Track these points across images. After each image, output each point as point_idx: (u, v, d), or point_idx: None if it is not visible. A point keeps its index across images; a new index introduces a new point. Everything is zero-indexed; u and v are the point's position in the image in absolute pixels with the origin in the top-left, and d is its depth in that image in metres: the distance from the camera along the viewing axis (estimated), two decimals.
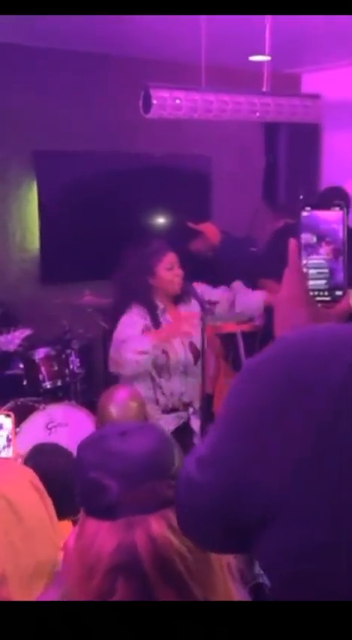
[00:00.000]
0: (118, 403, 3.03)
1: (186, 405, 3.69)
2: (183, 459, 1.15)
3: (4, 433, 2.59)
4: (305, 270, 1.21)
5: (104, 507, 1.17)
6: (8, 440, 2.58)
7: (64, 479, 1.89)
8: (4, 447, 2.56)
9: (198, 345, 3.67)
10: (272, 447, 0.98)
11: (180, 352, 3.58)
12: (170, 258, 3.55)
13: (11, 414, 2.65)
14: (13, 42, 5.09)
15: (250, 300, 3.87)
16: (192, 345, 3.65)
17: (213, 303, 3.76)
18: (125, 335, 3.48)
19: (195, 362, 3.66)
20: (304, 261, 1.21)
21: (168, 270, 3.54)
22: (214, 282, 4.09)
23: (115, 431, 1.26)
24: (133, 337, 3.43)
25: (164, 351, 3.52)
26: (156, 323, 3.52)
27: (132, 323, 3.52)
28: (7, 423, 2.62)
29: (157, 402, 3.59)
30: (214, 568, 1.21)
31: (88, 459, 1.23)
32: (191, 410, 3.71)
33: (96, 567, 1.15)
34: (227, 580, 1.24)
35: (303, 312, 1.21)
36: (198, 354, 3.66)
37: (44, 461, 1.93)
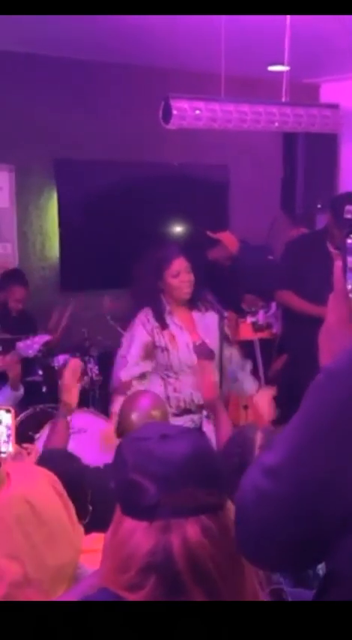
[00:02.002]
0: (141, 411, 3.03)
1: (200, 408, 3.71)
2: (244, 476, 1.14)
3: (3, 429, 2.60)
4: (351, 295, 1.23)
5: (142, 509, 1.20)
6: (8, 435, 2.59)
7: (72, 484, 1.91)
8: (4, 442, 2.57)
9: (213, 349, 3.68)
10: None
11: (182, 352, 3.61)
12: (177, 265, 3.57)
13: (11, 409, 2.65)
14: (36, 52, 5.15)
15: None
16: (200, 347, 3.66)
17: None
18: (124, 351, 3.66)
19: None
20: (349, 286, 1.22)
21: (174, 277, 3.57)
22: (230, 291, 4.11)
23: (156, 433, 1.28)
24: (125, 361, 3.61)
25: (165, 350, 3.58)
26: (163, 324, 3.58)
27: (133, 336, 3.64)
28: (7, 418, 2.62)
29: (168, 399, 3.63)
30: (245, 574, 1.23)
31: (128, 459, 1.25)
32: (205, 413, 3.72)
33: (131, 563, 1.18)
34: (255, 585, 1.26)
35: (351, 335, 1.21)
36: (209, 357, 3.66)
37: (53, 466, 1.95)
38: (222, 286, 4.52)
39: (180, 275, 3.56)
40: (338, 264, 1.23)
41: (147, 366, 3.62)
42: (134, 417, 3.03)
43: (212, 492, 1.21)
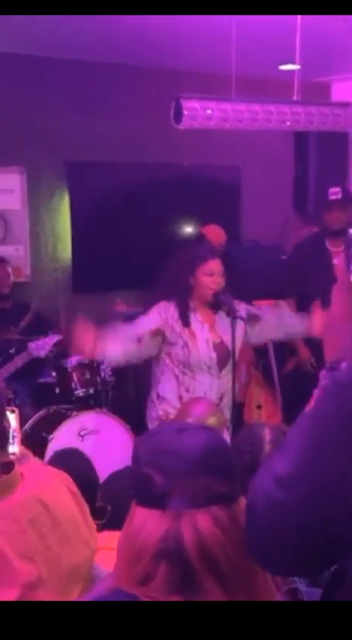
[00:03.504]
0: (196, 417, 3.01)
1: None
2: (253, 480, 1.14)
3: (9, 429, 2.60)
4: None
5: (153, 497, 1.22)
6: (13, 437, 2.59)
7: (83, 484, 1.91)
8: (9, 444, 2.56)
9: (231, 351, 3.68)
10: None
11: (201, 350, 3.61)
12: (212, 265, 3.60)
13: (16, 409, 2.66)
14: (46, 55, 5.17)
15: (295, 326, 3.85)
16: (219, 346, 3.66)
17: (258, 319, 3.77)
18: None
19: (220, 365, 3.67)
20: None
21: (208, 276, 3.60)
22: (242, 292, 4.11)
23: (173, 428, 1.30)
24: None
25: (185, 346, 3.58)
26: (186, 321, 3.59)
27: (143, 318, 3.64)
28: (12, 419, 2.62)
29: (181, 399, 3.63)
30: (257, 567, 1.23)
31: (142, 453, 1.27)
32: None
33: (143, 552, 1.19)
34: (268, 578, 1.26)
35: None
36: (225, 358, 3.67)
37: (65, 466, 1.95)
38: (232, 286, 4.52)
39: (213, 275, 3.59)
40: (340, 257, 1.23)
41: (136, 345, 3.58)
42: (189, 422, 3.01)
43: (223, 484, 1.22)
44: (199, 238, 5.44)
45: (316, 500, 1.02)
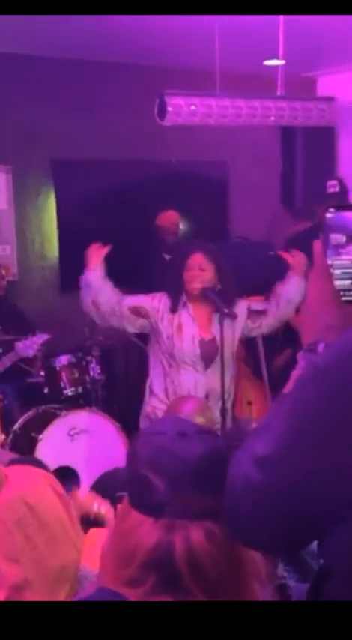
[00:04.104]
0: (186, 416, 3.02)
1: None
2: (232, 462, 1.14)
3: None
4: (330, 270, 1.22)
5: (149, 505, 1.20)
6: None
7: None
8: None
9: (220, 349, 3.68)
10: (343, 445, 1.00)
11: (186, 344, 3.62)
12: (193, 259, 3.62)
13: None
14: (31, 53, 5.14)
15: (290, 285, 3.85)
16: (207, 344, 3.66)
17: (261, 314, 3.79)
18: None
19: (206, 361, 3.66)
20: (329, 262, 1.22)
21: (188, 270, 3.61)
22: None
23: (174, 430, 1.27)
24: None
25: (170, 337, 3.59)
26: (174, 307, 3.62)
27: (136, 296, 3.70)
28: None
29: (166, 391, 3.63)
30: (246, 578, 1.22)
31: (141, 453, 1.25)
32: None
33: (133, 557, 1.18)
34: (256, 591, 1.25)
35: (332, 312, 1.22)
36: (212, 355, 3.67)
37: None
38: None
39: (193, 269, 3.62)
40: (317, 241, 1.23)
41: (117, 305, 3.62)
42: None
43: (220, 498, 1.19)
44: (155, 228, 5.48)
45: (296, 482, 1.03)
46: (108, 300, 3.62)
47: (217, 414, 3.69)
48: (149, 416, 3.66)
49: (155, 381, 3.69)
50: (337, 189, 4.69)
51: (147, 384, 3.76)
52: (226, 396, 3.70)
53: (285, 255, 3.89)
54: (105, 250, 3.68)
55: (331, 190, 4.73)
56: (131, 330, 3.74)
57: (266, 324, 3.87)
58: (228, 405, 3.77)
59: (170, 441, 1.25)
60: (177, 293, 3.65)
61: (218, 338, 3.62)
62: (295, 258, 3.80)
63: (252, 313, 3.77)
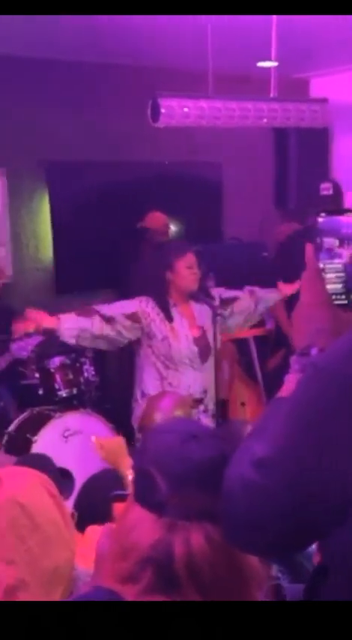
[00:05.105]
0: (164, 411, 3.05)
1: (197, 402, 3.72)
2: (230, 464, 1.14)
3: None
4: (323, 274, 1.23)
5: (151, 502, 1.21)
6: None
7: None
8: None
9: (211, 342, 3.72)
10: (342, 446, 1.00)
11: (182, 344, 3.64)
12: (190, 258, 3.64)
13: None
14: (23, 55, 5.14)
15: (269, 292, 3.97)
16: (200, 341, 3.69)
17: (232, 300, 3.85)
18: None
19: (202, 358, 3.69)
20: (321, 265, 1.22)
21: (188, 269, 3.64)
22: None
23: (187, 432, 1.27)
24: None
25: (165, 339, 3.61)
26: (168, 316, 3.62)
27: (123, 303, 3.69)
28: None
29: None
30: (245, 582, 1.23)
31: (150, 450, 1.26)
32: (202, 407, 3.74)
33: (131, 553, 1.19)
34: (254, 593, 1.26)
35: (326, 315, 1.22)
36: (207, 351, 3.70)
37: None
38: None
39: (192, 267, 3.64)
40: (309, 244, 1.23)
41: (105, 324, 3.60)
42: (157, 416, 3.05)
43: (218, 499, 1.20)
44: (142, 229, 5.48)
45: (295, 483, 1.03)
46: (98, 328, 3.59)
47: (211, 406, 3.73)
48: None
49: (149, 384, 3.70)
50: (331, 191, 4.71)
51: (139, 388, 3.77)
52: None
53: (280, 285, 3.97)
54: (40, 314, 3.53)
55: (325, 193, 4.76)
56: (130, 337, 3.72)
57: (237, 310, 3.90)
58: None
59: (180, 441, 1.25)
60: (164, 294, 3.67)
61: (206, 332, 3.68)
62: (287, 290, 3.91)
63: (223, 301, 3.83)
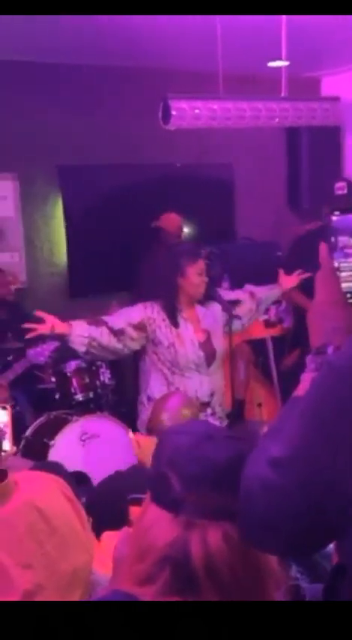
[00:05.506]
0: (171, 411, 3.05)
1: (204, 405, 3.72)
2: (247, 464, 1.14)
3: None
4: (338, 273, 1.23)
5: (169, 500, 1.20)
6: (4, 433, 2.59)
7: None
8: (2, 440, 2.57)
9: (218, 347, 3.72)
10: None
11: (188, 349, 3.63)
12: (201, 264, 3.64)
13: (8, 407, 2.66)
14: (34, 60, 5.17)
15: (269, 290, 3.97)
16: (205, 345, 3.69)
17: (235, 303, 3.85)
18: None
19: (208, 362, 3.69)
20: (336, 264, 1.22)
21: (198, 275, 3.63)
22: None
23: (203, 432, 1.27)
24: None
25: (171, 346, 3.60)
26: (174, 322, 3.61)
27: (127, 309, 3.68)
28: (3, 415, 2.63)
29: None
30: (263, 582, 1.22)
31: (165, 452, 1.26)
32: (209, 411, 3.74)
33: (149, 552, 1.18)
34: (272, 593, 1.25)
35: (341, 314, 1.22)
36: (212, 355, 3.70)
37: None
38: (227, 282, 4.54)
39: (202, 274, 3.64)
40: (323, 244, 1.23)
41: (112, 338, 3.59)
42: (164, 416, 3.06)
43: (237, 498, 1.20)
44: (156, 230, 5.47)
45: (312, 483, 1.03)
46: (106, 340, 3.60)
47: (218, 409, 3.73)
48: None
49: (155, 389, 3.69)
50: (345, 190, 4.70)
51: (144, 393, 3.77)
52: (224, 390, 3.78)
53: (281, 277, 3.98)
54: (52, 318, 3.50)
55: (339, 192, 4.74)
56: (135, 348, 3.72)
57: (242, 314, 3.89)
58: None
59: (196, 442, 1.25)
60: (173, 299, 3.66)
61: (211, 335, 3.68)
62: (288, 283, 3.92)
63: (232, 304, 3.84)
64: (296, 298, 4.64)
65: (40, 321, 3.45)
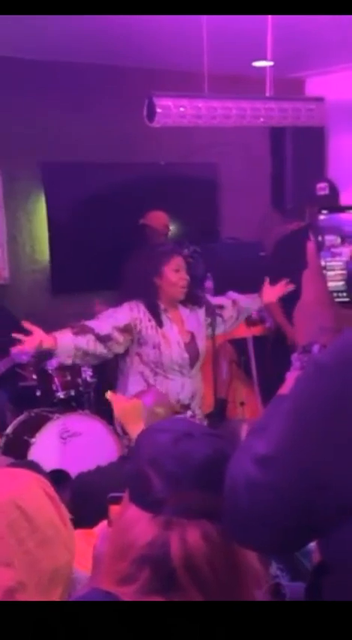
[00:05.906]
0: (144, 408, 3.04)
1: (185, 408, 3.72)
2: (232, 462, 1.14)
3: None
4: (324, 272, 1.23)
5: (147, 500, 1.21)
6: None
7: None
8: None
9: (201, 350, 3.71)
10: (344, 444, 1.00)
11: (174, 350, 3.62)
12: (177, 261, 3.62)
13: None
14: (19, 56, 5.14)
15: (251, 300, 3.98)
16: (190, 346, 3.68)
17: (219, 308, 3.85)
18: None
19: (192, 364, 3.69)
20: (323, 263, 1.22)
21: (175, 272, 3.61)
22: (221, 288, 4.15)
23: (181, 430, 1.27)
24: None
25: (157, 346, 3.59)
26: (159, 322, 3.60)
27: (113, 312, 3.64)
28: None
29: None
30: (243, 579, 1.23)
31: (144, 450, 1.25)
32: (189, 413, 3.74)
33: (128, 552, 1.19)
34: (252, 590, 1.25)
35: (328, 313, 1.23)
36: (196, 357, 3.70)
37: None
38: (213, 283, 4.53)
39: (180, 271, 3.62)
40: (310, 243, 1.24)
41: (98, 344, 3.55)
42: None
43: (219, 499, 1.19)
44: (142, 228, 5.46)
45: (297, 480, 1.03)
46: (92, 347, 3.55)
47: (198, 411, 3.73)
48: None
49: (135, 390, 3.67)
50: (327, 191, 4.70)
51: (121, 392, 3.75)
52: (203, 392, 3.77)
53: (265, 288, 3.96)
54: (39, 331, 3.43)
55: (321, 193, 4.74)
56: (119, 351, 3.70)
57: (225, 319, 3.90)
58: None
59: (174, 440, 1.25)
60: (154, 300, 3.65)
61: (195, 337, 3.68)
62: (270, 296, 3.93)
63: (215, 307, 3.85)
64: (274, 313, 4.64)
65: (27, 332, 3.39)
